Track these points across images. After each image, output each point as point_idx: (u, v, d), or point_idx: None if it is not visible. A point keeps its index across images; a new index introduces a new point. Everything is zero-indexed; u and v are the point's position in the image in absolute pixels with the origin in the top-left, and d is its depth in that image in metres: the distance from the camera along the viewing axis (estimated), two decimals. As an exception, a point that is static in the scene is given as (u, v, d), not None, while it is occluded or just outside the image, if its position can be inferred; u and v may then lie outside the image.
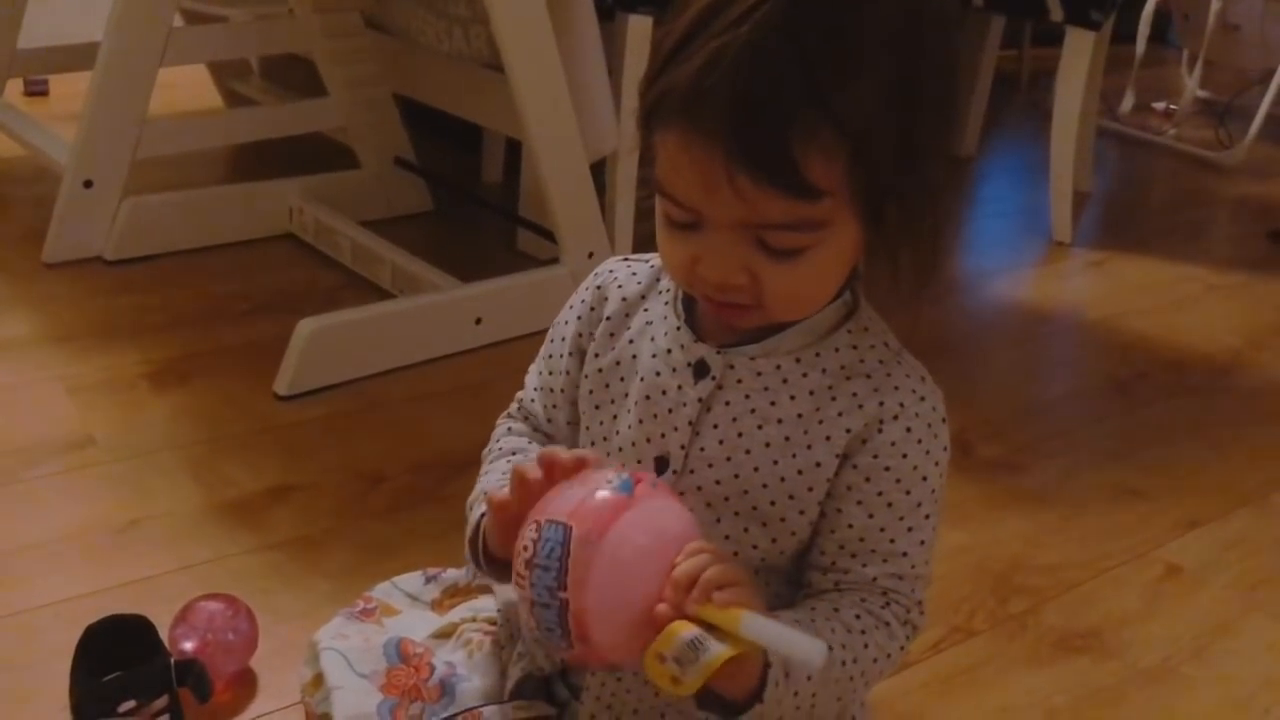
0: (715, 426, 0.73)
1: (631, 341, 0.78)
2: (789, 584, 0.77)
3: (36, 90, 2.53)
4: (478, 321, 1.65)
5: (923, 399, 0.73)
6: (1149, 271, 2.19)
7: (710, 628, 0.62)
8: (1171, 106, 3.16)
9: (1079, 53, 2.19)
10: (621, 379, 0.77)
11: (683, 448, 0.74)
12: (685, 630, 0.62)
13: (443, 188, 2.15)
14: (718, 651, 0.61)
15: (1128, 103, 3.02)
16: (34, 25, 2.18)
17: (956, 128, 0.68)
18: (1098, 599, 1.23)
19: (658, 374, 0.75)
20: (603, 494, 0.65)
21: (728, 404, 0.73)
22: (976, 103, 2.73)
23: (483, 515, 0.75)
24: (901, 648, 0.74)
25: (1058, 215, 2.28)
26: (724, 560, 0.64)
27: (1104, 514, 1.39)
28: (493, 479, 0.80)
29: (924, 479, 0.73)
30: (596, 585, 0.63)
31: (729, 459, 0.73)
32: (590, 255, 1.73)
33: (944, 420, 0.74)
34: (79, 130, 1.78)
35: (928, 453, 0.72)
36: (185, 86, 2.43)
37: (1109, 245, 2.31)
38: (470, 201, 2.18)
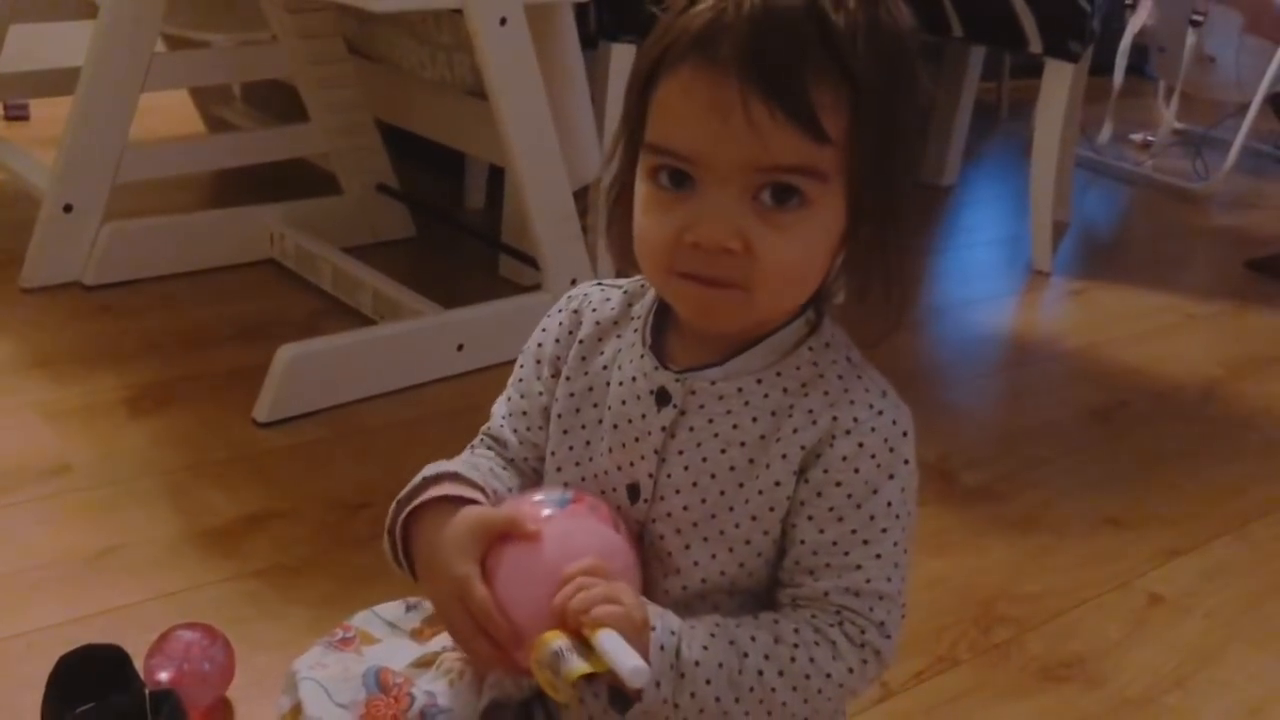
0: (680, 453, 0.73)
1: (605, 368, 0.77)
2: (762, 607, 0.75)
3: (16, 114, 2.52)
4: (459, 348, 1.64)
5: (880, 413, 0.71)
6: (1128, 301, 2.21)
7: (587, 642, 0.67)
8: (1149, 138, 3.19)
9: (1058, 84, 2.21)
10: (594, 405, 0.77)
11: (650, 476, 0.74)
12: (554, 641, 0.66)
13: (425, 214, 2.15)
14: (574, 665, 0.65)
15: (1106, 134, 3.05)
16: (14, 49, 2.17)
17: (921, 163, 0.72)
18: (1080, 628, 1.23)
19: (624, 403, 0.75)
20: (536, 501, 0.74)
21: (691, 429, 0.73)
22: (956, 133, 2.75)
23: (419, 490, 0.78)
24: (852, 670, 0.71)
25: (1038, 245, 2.30)
26: (611, 579, 0.68)
27: (1086, 543, 1.39)
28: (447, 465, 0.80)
29: (875, 492, 0.71)
30: (501, 580, 0.70)
31: (695, 484, 0.73)
32: (573, 282, 1.73)
33: (905, 434, 0.72)
34: (59, 154, 1.78)
35: (880, 466, 0.71)
36: (167, 111, 2.43)
37: (1088, 275, 2.33)
38: (452, 228, 2.17)
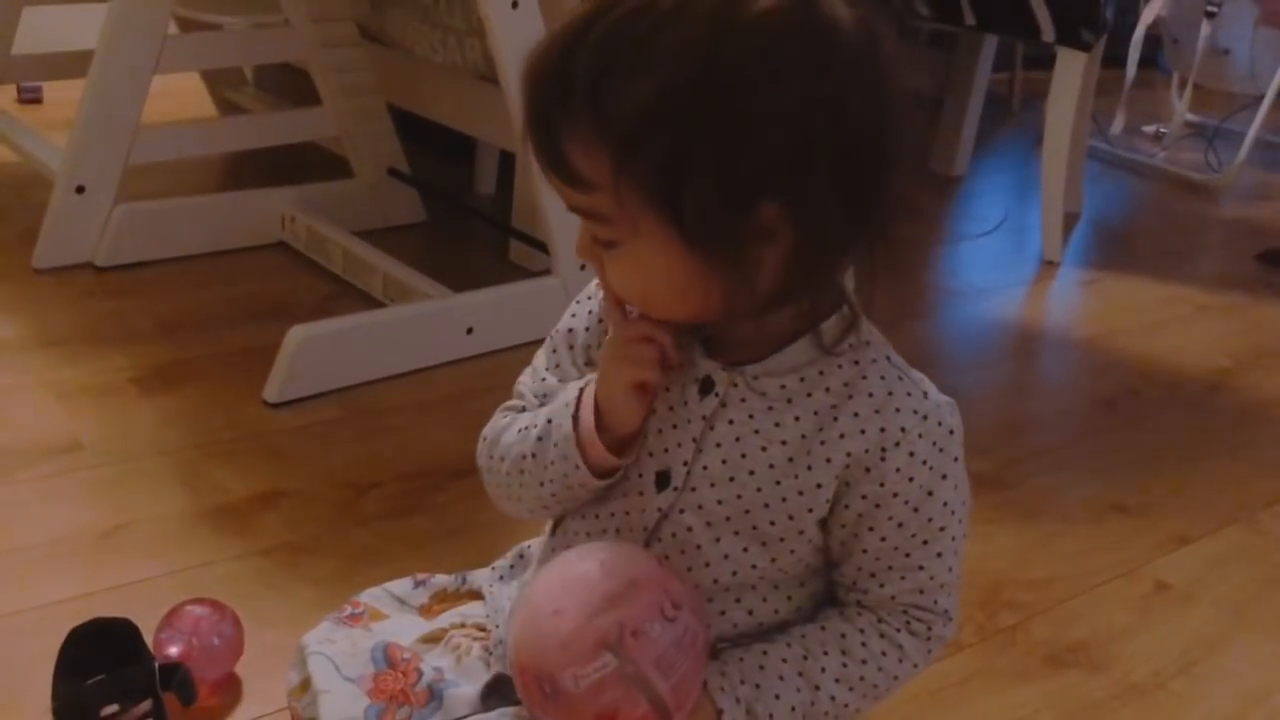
0: (718, 445, 0.72)
1: None
2: (794, 590, 0.77)
3: (30, 97, 2.53)
4: (469, 331, 1.65)
5: (925, 418, 0.72)
6: (1139, 292, 2.20)
7: None
8: (1162, 130, 3.18)
9: (1070, 74, 2.21)
10: None
11: (685, 464, 0.73)
12: None
13: (435, 198, 2.15)
14: None
15: (1118, 125, 3.04)
16: (28, 31, 2.18)
17: (796, 165, 0.64)
18: (1086, 614, 1.23)
19: (666, 389, 0.74)
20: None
21: (731, 422, 0.72)
22: (967, 123, 2.74)
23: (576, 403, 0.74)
24: (916, 665, 0.76)
25: (1048, 235, 2.29)
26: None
27: (1093, 530, 1.39)
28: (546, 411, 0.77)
29: (930, 494, 0.72)
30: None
31: (732, 479, 0.72)
32: (583, 267, 1.73)
33: (951, 432, 0.73)
34: (72, 136, 1.78)
35: (932, 470, 0.72)
36: (179, 95, 2.43)
37: (1099, 265, 2.32)
38: (463, 212, 2.18)
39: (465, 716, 0.79)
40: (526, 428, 0.77)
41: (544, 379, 0.81)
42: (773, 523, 0.73)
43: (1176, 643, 1.20)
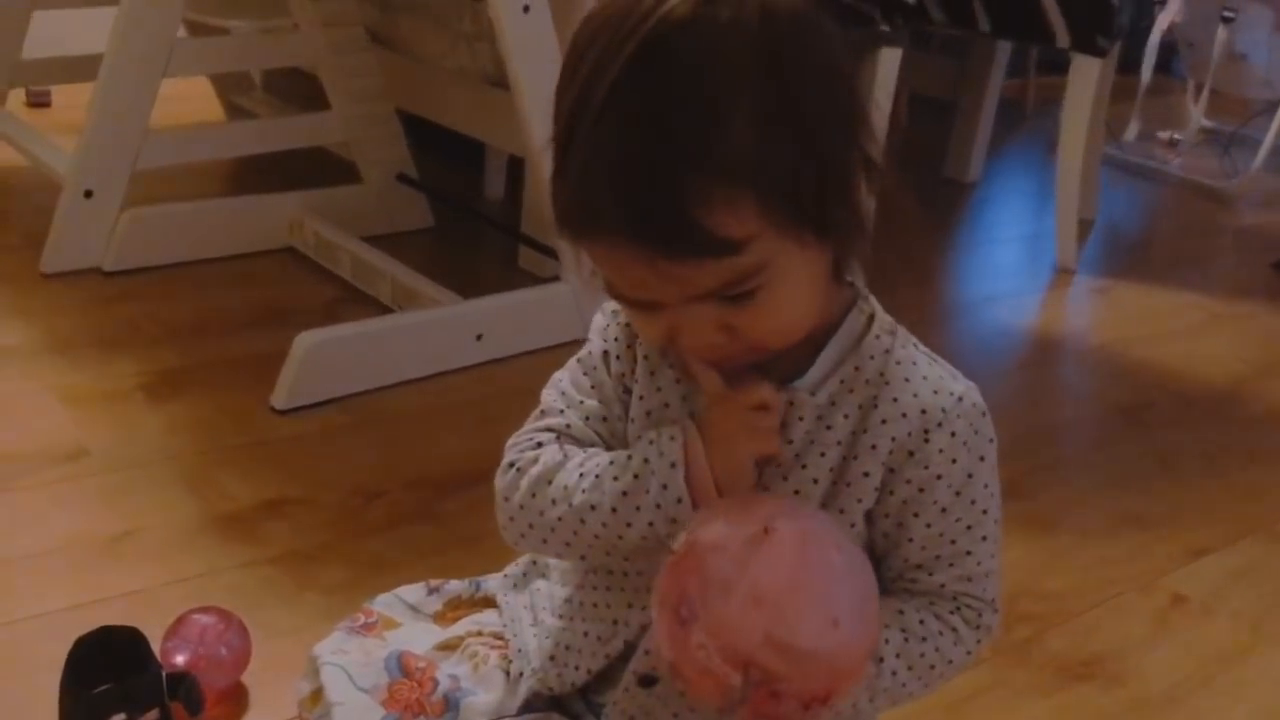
0: (778, 466, 0.72)
1: (678, 381, 0.74)
2: None
3: (39, 101, 2.53)
4: (478, 338, 1.64)
5: (960, 399, 0.72)
6: (1153, 300, 2.18)
7: None
8: (1176, 136, 3.15)
9: (1085, 80, 2.19)
10: (674, 420, 0.74)
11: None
12: None
13: (444, 204, 2.14)
14: None
15: (1132, 131, 3.02)
16: (37, 36, 2.18)
17: (865, 126, 0.67)
18: (1102, 627, 1.22)
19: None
20: None
21: (790, 442, 0.72)
22: (981, 130, 2.73)
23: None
24: (969, 652, 0.75)
25: (1063, 242, 2.27)
26: None
27: (1109, 541, 1.38)
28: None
29: (971, 476, 0.73)
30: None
31: (797, 491, 0.72)
32: (593, 273, 1.72)
33: (984, 414, 0.74)
34: (80, 140, 1.78)
35: (971, 450, 0.73)
36: (188, 99, 2.42)
37: (1113, 273, 2.30)
38: (472, 218, 2.17)
39: None
40: (596, 475, 0.72)
41: (582, 401, 0.77)
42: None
43: (1194, 656, 1.18)
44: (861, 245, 0.70)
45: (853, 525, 0.73)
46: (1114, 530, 1.40)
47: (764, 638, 0.62)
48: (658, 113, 0.62)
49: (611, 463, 0.72)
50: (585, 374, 0.78)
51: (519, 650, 0.82)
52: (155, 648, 0.97)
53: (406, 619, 0.88)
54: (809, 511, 0.69)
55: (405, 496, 1.32)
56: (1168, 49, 3.06)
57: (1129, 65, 2.73)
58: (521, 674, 0.81)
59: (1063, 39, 2.16)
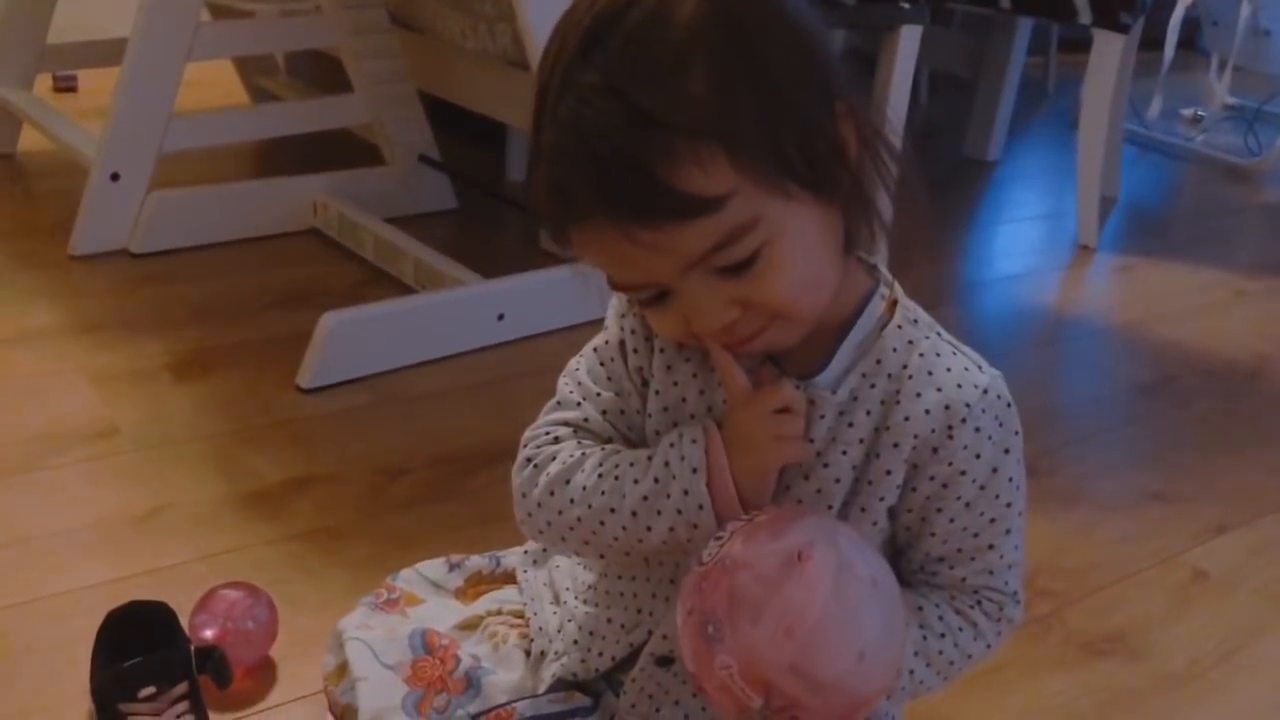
0: (799, 465, 0.71)
1: (695, 375, 0.73)
2: None
3: (65, 85, 2.55)
4: (500, 317, 1.65)
5: (985, 391, 0.70)
6: (1176, 277, 2.17)
7: None
8: (1200, 112, 3.13)
9: (1107, 57, 2.18)
10: (691, 416, 0.73)
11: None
12: None
13: (467, 185, 2.15)
14: None
15: (1155, 108, 3.00)
16: (64, 21, 2.19)
17: (835, 80, 0.65)
18: (1123, 603, 1.22)
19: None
20: None
21: (812, 440, 0.71)
22: (1002, 107, 2.71)
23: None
24: (989, 645, 0.75)
25: (1084, 220, 2.27)
26: None
27: (1130, 518, 1.38)
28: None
29: (995, 470, 0.71)
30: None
31: (819, 490, 0.71)
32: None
33: (1009, 405, 0.72)
34: (106, 124, 1.80)
35: (995, 444, 0.71)
36: (212, 83, 2.44)
37: (1136, 250, 2.29)
38: (494, 199, 2.18)
39: (508, 702, 0.78)
40: (616, 477, 0.71)
41: (599, 394, 0.76)
42: (846, 517, 0.72)
43: (1214, 632, 1.19)
44: (867, 210, 0.68)
45: (875, 523, 0.72)
46: (1135, 507, 1.40)
47: (789, 667, 0.61)
48: (611, 83, 0.61)
49: (632, 464, 0.71)
50: (602, 364, 0.76)
51: (539, 629, 0.83)
52: (184, 622, 0.99)
53: (429, 595, 0.89)
54: (843, 532, 0.65)
55: (429, 474, 1.33)
56: (1191, 25, 3.03)
57: (1152, 41, 2.70)
58: (542, 653, 0.82)
59: (1085, 16, 2.14)
